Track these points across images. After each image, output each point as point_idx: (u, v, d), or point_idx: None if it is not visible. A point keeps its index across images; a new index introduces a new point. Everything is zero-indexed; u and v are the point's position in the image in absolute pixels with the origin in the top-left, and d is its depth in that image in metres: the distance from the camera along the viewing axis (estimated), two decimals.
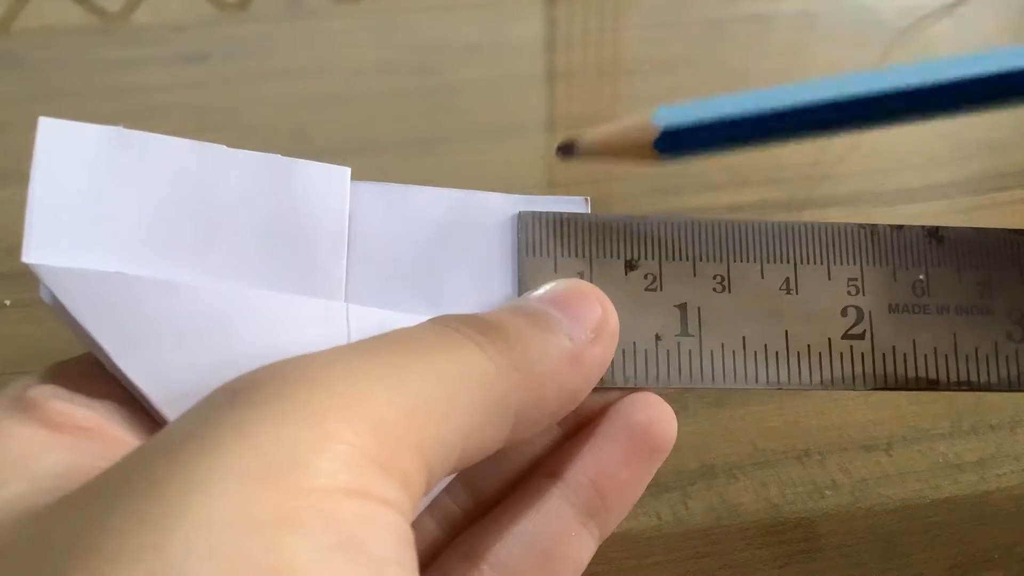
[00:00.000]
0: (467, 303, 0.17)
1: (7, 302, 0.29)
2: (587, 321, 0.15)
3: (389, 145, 0.36)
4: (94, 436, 0.14)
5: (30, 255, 0.15)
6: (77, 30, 0.46)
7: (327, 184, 0.17)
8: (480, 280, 0.17)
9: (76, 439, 0.14)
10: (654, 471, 0.17)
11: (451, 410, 0.13)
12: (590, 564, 0.20)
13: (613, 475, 0.16)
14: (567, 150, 0.18)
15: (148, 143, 0.16)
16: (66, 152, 0.16)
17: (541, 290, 0.16)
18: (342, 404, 0.11)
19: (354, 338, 0.15)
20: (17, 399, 0.15)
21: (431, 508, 0.17)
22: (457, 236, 0.17)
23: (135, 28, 0.46)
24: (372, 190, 0.17)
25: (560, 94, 0.41)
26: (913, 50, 0.42)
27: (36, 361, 0.28)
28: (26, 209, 0.15)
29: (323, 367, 0.12)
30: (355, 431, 0.11)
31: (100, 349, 0.14)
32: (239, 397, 0.12)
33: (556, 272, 0.17)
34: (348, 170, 0.17)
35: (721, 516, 0.21)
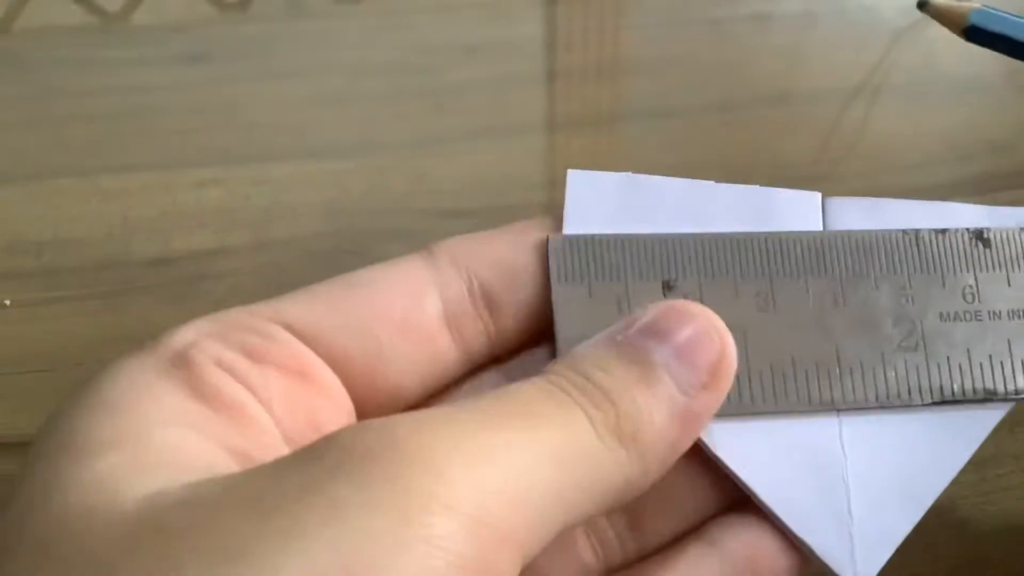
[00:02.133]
0: None
1: (7, 302, 0.29)
2: (702, 363, 0.14)
3: (389, 145, 0.36)
4: (230, 415, 0.14)
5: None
6: (77, 30, 0.46)
7: (801, 206, 0.17)
8: None
9: (211, 413, 0.14)
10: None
11: (558, 492, 0.12)
12: None
13: (773, 558, 0.16)
14: (922, 5, 0.21)
15: (652, 184, 0.17)
16: (590, 195, 0.17)
17: (647, 318, 0.15)
18: (445, 494, 0.11)
19: None
20: (182, 351, 0.15)
21: (589, 527, 0.17)
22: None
23: (135, 28, 0.46)
24: (850, 204, 0.18)
25: (560, 94, 0.41)
26: (913, 50, 0.42)
27: (36, 361, 0.28)
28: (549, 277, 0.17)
29: (433, 444, 0.11)
30: (452, 528, 0.11)
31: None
32: (342, 465, 0.11)
33: (591, 298, 0.17)
34: (819, 194, 0.18)
35: None
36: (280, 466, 0.12)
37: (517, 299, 0.17)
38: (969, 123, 0.37)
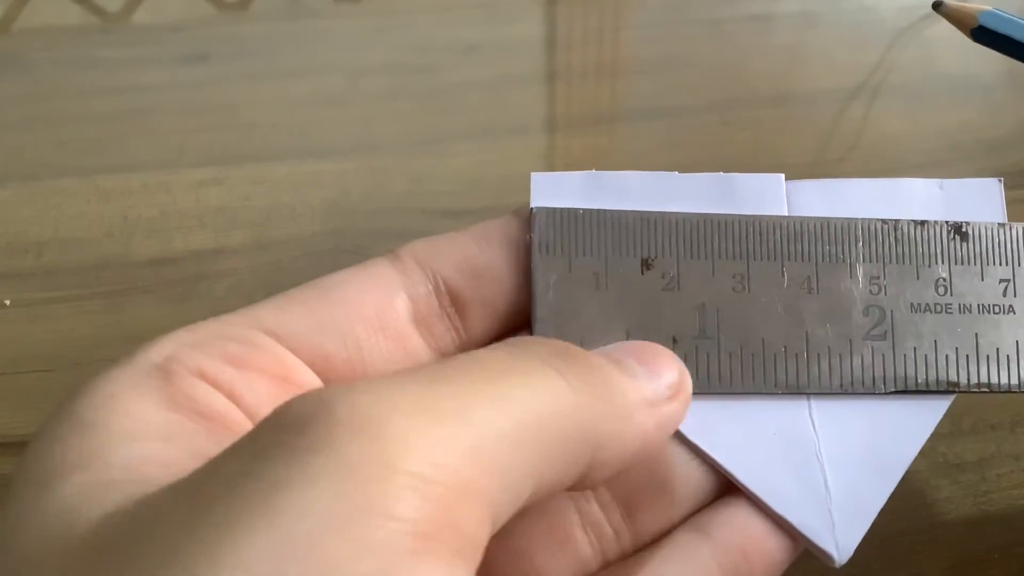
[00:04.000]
0: None
1: (7, 302, 0.29)
2: (664, 378, 0.15)
3: (389, 145, 0.36)
4: (210, 426, 0.14)
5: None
6: (77, 30, 0.46)
7: (764, 190, 0.18)
8: None
9: (190, 424, 0.14)
10: (802, 545, 0.17)
11: (522, 443, 0.12)
12: None
13: (762, 541, 0.16)
14: (937, 5, 0.22)
15: (615, 179, 0.18)
16: (554, 197, 0.18)
17: (612, 346, 0.15)
18: (387, 456, 0.10)
19: None
20: (161, 363, 0.14)
21: (584, 519, 0.17)
22: (881, 214, 0.18)
23: (135, 28, 0.46)
24: (810, 187, 0.18)
25: (560, 94, 0.41)
26: (913, 50, 0.42)
27: (36, 361, 0.28)
28: (532, 247, 0.17)
29: (370, 406, 0.11)
30: (397, 492, 0.10)
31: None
32: (277, 440, 0.11)
33: (571, 272, 0.17)
34: (781, 176, 0.18)
35: None
36: (220, 456, 0.11)
37: (483, 297, 0.17)
38: (969, 123, 0.37)
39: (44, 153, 0.35)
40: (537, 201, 0.17)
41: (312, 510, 0.10)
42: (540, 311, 0.17)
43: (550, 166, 0.36)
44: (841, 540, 0.16)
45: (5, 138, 0.36)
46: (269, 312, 0.16)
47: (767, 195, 0.18)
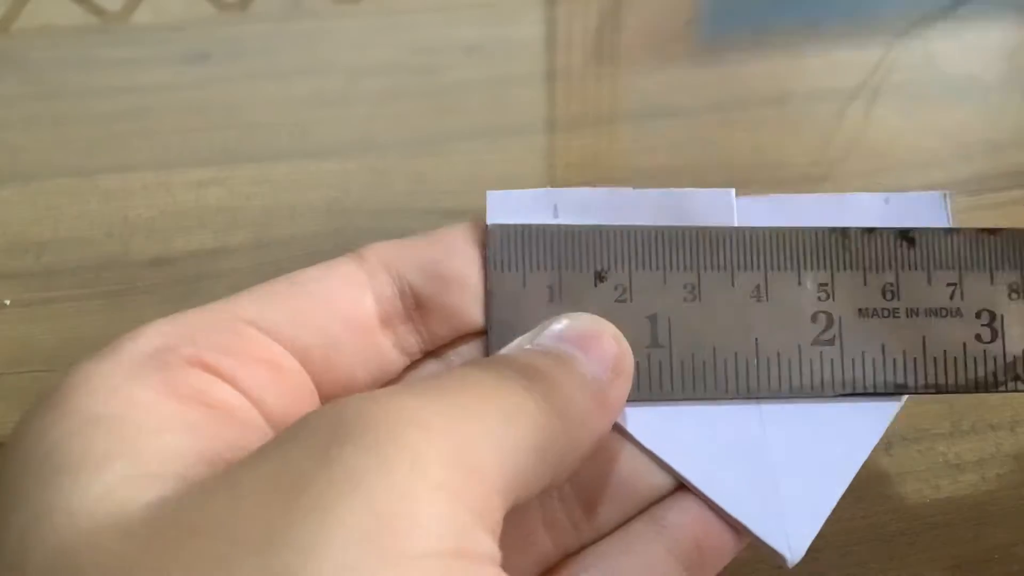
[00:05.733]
0: None
1: (7, 302, 0.29)
2: (607, 360, 0.16)
3: (389, 145, 0.36)
4: (220, 416, 0.14)
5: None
6: (77, 30, 0.46)
7: (715, 204, 0.18)
8: None
9: (201, 416, 0.14)
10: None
11: (517, 456, 0.13)
12: None
13: (714, 532, 0.17)
14: None
15: (570, 196, 0.18)
16: (510, 214, 0.18)
17: (558, 326, 0.16)
18: (443, 447, 0.12)
19: None
20: (153, 355, 0.15)
21: (546, 515, 0.18)
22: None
23: (135, 28, 0.46)
24: (760, 202, 0.18)
25: (560, 94, 0.41)
26: (913, 50, 0.42)
27: (36, 361, 0.28)
28: (487, 269, 0.18)
29: (418, 408, 0.12)
30: (457, 478, 0.11)
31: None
32: (344, 436, 0.11)
33: (525, 287, 0.17)
34: (732, 191, 0.18)
35: None
36: (280, 447, 0.12)
37: (444, 301, 0.18)
38: (969, 123, 0.37)
39: (44, 153, 0.35)
40: (493, 218, 0.18)
41: (396, 489, 0.11)
42: (496, 325, 0.17)
43: (550, 166, 0.36)
44: (793, 541, 0.17)
45: (5, 138, 0.36)
46: (248, 304, 0.16)
47: (717, 210, 0.18)
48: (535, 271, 0.18)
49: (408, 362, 0.18)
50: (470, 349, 0.18)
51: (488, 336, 0.17)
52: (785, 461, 0.17)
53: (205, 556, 0.11)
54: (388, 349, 0.17)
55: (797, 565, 0.20)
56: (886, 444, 0.22)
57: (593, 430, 0.15)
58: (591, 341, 0.16)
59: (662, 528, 0.17)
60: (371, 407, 0.12)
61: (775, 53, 0.44)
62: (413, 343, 0.18)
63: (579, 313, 0.17)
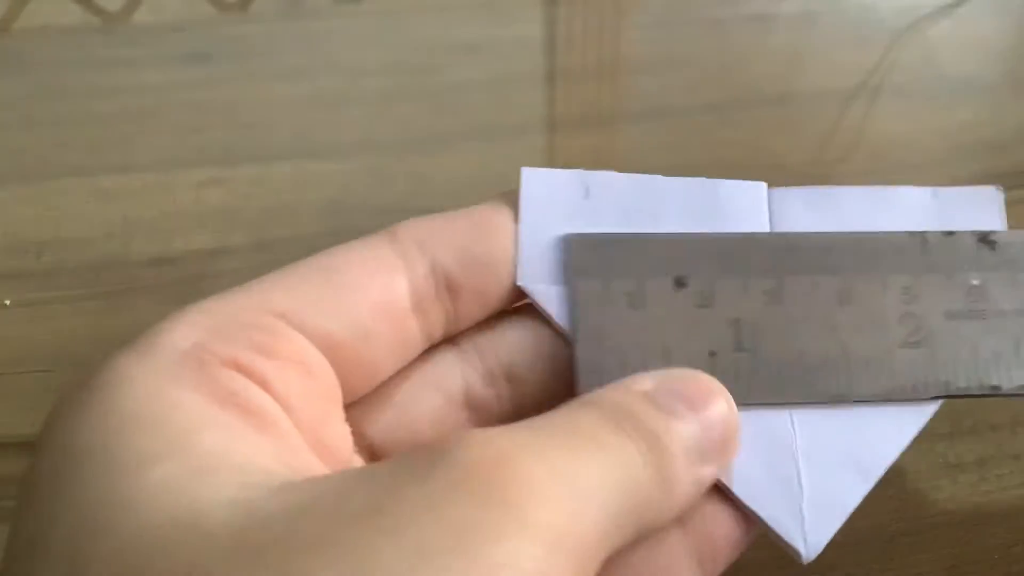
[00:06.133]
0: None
1: (7, 302, 0.29)
2: (717, 436, 0.15)
3: (389, 145, 0.36)
4: (256, 422, 0.14)
5: (521, 280, 0.17)
6: (77, 30, 0.45)
7: (746, 197, 0.18)
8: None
9: (239, 421, 0.14)
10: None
11: (616, 516, 0.13)
12: None
13: (729, 527, 0.17)
14: None
15: (601, 179, 0.18)
16: (543, 194, 0.18)
17: (666, 378, 0.16)
18: (556, 520, 0.11)
19: None
20: (190, 352, 0.14)
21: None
22: (869, 225, 0.18)
23: (135, 28, 0.46)
24: (796, 195, 0.18)
25: (560, 94, 0.41)
26: (913, 50, 0.42)
27: (36, 361, 0.28)
28: (518, 243, 0.18)
29: (536, 463, 0.12)
30: (565, 556, 0.11)
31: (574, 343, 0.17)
32: (463, 481, 0.11)
33: (607, 292, 0.17)
34: (763, 184, 0.18)
35: None
36: (392, 476, 0.12)
37: (475, 284, 0.17)
38: (969, 123, 0.37)
39: (44, 153, 0.35)
40: (527, 194, 0.18)
41: (498, 560, 0.11)
42: (581, 333, 0.17)
43: (550, 166, 0.36)
44: (811, 537, 0.17)
45: (5, 138, 0.36)
46: (279, 293, 0.16)
47: (748, 202, 0.18)
48: (615, 279, 0.17)
49: (428, 344, 0.18)
50: (488, 340, 0.18)
51: (573, 345, 0.17)
52: (811, 455, 0.17)
53: (302, 570, 0.10)
54: (414, 333, 0.17)
55: (796, 566, 0.20)
56: None
57: (686, 504, 0.15)
58: (706, 401, 0.15)
59: (679, 525, 0.16)
60: (497, 457, 0.12)
61: (775, 53, 0.44)
62: (438, 327, 0.18)
63: (695, 372, 0.16)
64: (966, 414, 0.23)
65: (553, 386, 0.18)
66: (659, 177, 0.18)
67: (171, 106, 0.39)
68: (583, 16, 0.49)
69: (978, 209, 0.18)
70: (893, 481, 0.21)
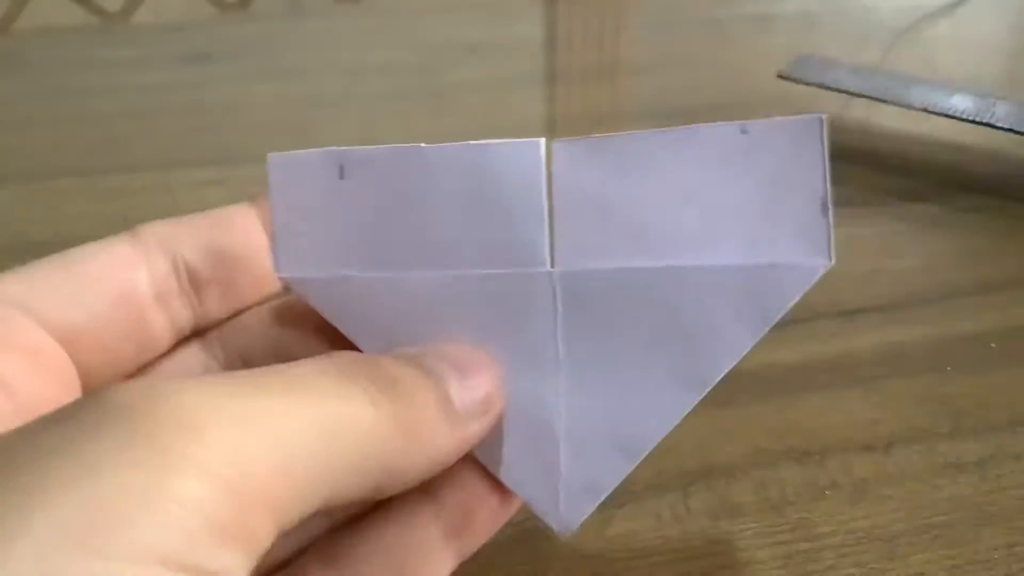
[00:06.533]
0: (692, 246, 0.15)
1: None
2: (478, 390, 0.15)
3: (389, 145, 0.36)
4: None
5: (279, 271, 0.17)
6: (77, 30, 0.46)
7: (519, 157, 0.16)
8: (703, 220, 0.15)
9: None
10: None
11: (325, 464, 0.12)
12: (590, 563, 0.20)
13: (484, 499, 0.16)
14: None
15: (360, 156, 0.17)
16: (293, 180, 0.17)
17: (444, 348, 0.16)
18: (204, 456, 0.11)
19: (562, 308, 0.16)
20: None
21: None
22: (675, 176, 0.16)
23: (135, 28, 0.46)
24: (580, 148, 0.16)
25: (560, 94, 0.41)
26: (913, 50, 0.42)
27: None
28: (272, 233, 0.17)
29: (196, 407, 0.11)
30: (209, 490, 0.11)
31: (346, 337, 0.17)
32: (98, 424, 0.11)
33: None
34: (541, 140, 0.16)
35: (721, 516, 0.21)
36: (36, 425, 0.12)
37: (220, 278, 0.18)
38: (968, 123, 0.37)
39: (44, 153, 0.35)
40: (276, 184, 0.17)
41: (127, 490, 0.10)
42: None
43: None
44: (566, 515, 0.16)
45: (5, 138, 0.36)
46: (17, 285, 0.16)
47: (523, 164, 0.16)
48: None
49: (177, 338, 0.18)
50: (231, 331, 0.18)
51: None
52: (574, 430, 0.16)
53: None
54: (159, 325, 0.17)
55: (796, 566, 0.20)
56: (887, 444, 0.22)
57: (437, 456, 0.15)
58: (468, 364, 0.15)
59: (431, 497, 0.16)
60: (148, 397, 0.11)
61: (775, 53, 0.44)
62: (185, 320, 0.18)
63: (473, 349, 0.16)
64: (966, 414, 0.23)
65: None
66: (424, 146, 0.16)
67: (171, 106, 0.39)
68: (583, 16, 0.49)
69: (795, 144, 0.15)
70: (893, 481, 0.21)
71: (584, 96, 0.41)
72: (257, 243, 0.18)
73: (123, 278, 0.17)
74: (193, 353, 0.18)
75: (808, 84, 0.34)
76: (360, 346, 0.17)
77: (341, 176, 0.17)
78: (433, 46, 0.44)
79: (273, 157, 0.17)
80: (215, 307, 0.18)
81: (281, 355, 0.18)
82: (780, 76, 0.35)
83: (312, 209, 0.17)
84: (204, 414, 0.11)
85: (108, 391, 0.12)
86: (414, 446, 0.14)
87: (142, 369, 0.18)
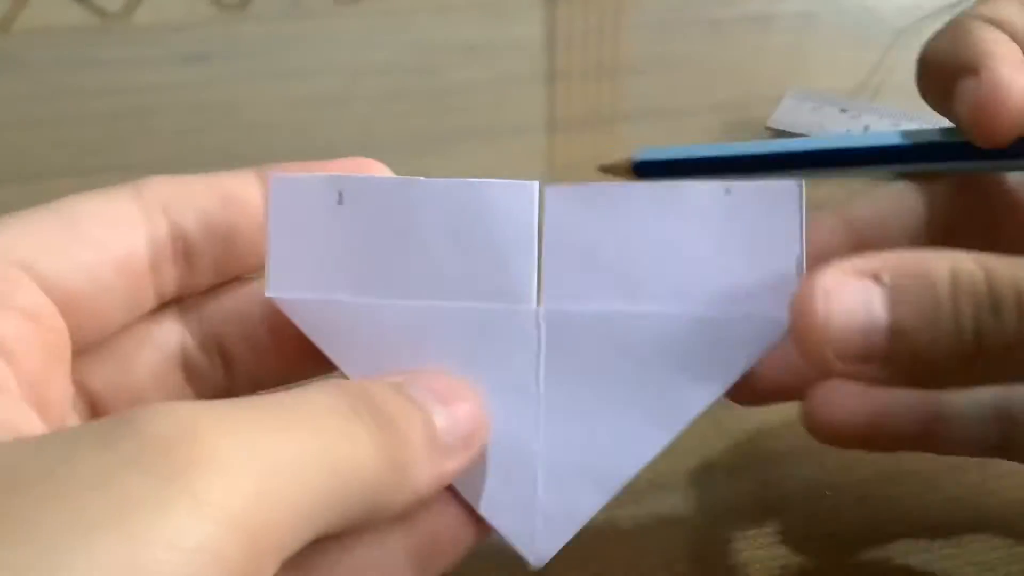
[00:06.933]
0: (672, 295, 0.16)
1: None
2: (461, 425, 0.16)
3: (389, 145, 0.36)
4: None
5: (271, 291, 0.17)
6: (77, 30, 0.46)
7: (513, 197, 0.17)
8: (684, 271, 0.16)
9: None
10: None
11: (328, 501, 0.13)
12: (588, 562, 0.20)
13: (454, 526, 0.16)
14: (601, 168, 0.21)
15: (359, 184, 0.17)
16: (293, 202, 0.17)
17: (432, 379, 0.16)
18: (229, 503, 0.11)
19: (545, 345, 0.17)
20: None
21: None
22: (660, 228, 0.17)
23: (135, 28, 0.46)
24: (571, 194, 0.17)
25: (560, 94, 0.41)
26: (913, 50, 0.42)
27: None
28: (267, 253, 0.17)
29: (229, 450, 0.12)
30: (228, 536, 0.11)
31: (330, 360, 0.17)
32: (140, 455, 0.11)
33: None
34: (535, 184, 0.17)
35: (721, 516, 0.21)
36: (74, 443, 0.12)
37: (212, 251, 0.18)
38: None
39: (44, 153, 0.35)
40: (277, 205, 0.17)
41: (161, 535, 0.11)
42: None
43: (550, 166, 0.36)
44: (540, 547, 0.17)
45: (5, 138, 0.36)
46: (21, 242, 0.16)
47: (517, 204, 0.17)
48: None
49: (159, 303, 0.18)
50: (210, 307, 0.18)
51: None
52: (552, 459, 0.17)
53: None
54: (148, 291, 0.17)
55: (797, 566, 0.20)
56: None
57: (421, 490, 0.15)
58: (456, 402, 0.16)
59: (401, 520, 0.16)
60: (183, 432, 0.12)
61: (775, 53, 0.44)
62: (171, 288, 0.18)
63: (448, 374, 0.16)
64: None
65: (268, 364, 0.18)
66: (422, 179, 0.17)
67: (171, 106, 0.39)
68: (583, 16, 0.49)
69: (775, 206, 0.16)
70: (893, 481, 0.21)
71: (584, 96, 0.41)
72: (253, 216, 0.18)
73: (125, 243, 0.17)
74: (171, 323, 0.18)
75: (795, 134, 0.35)
76: (344, 370, 0.17)
77: (340, 202, 0.17)
78: (433, 46, 0.44)
79: (275, 177, 0.17)
80: (201, 278, 0.18)
81: (256, 345, 0.18)
82: (768, 128, 0.35)
83: (308, 232, 0.17)
84: (234, 459, 0.12)
85: (143, 418, 0.12)
86: (402, 482, 0.14)
87: (126, 329, 0.18)
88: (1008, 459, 0.19)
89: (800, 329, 0.15)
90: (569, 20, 0.48)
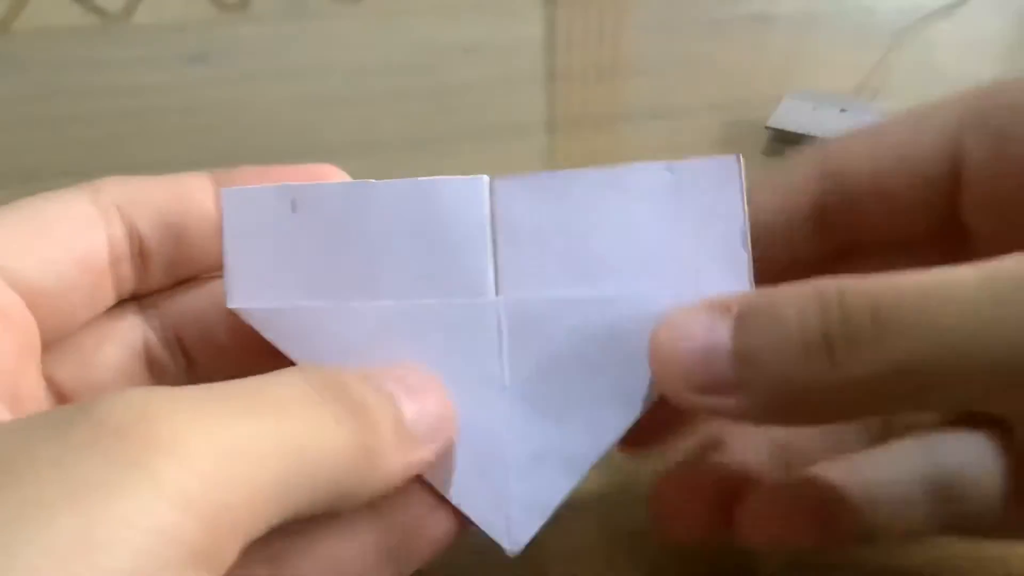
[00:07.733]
0: (626, 276, 0.17)
1: None
2: (428, 417, 0.16)
3: (389, 145, 0.36)
4: None
5: (232, 302, 0.17)
6: (77, 30, 0.46)
7: (464, 193, 0.18)
8: (635, 252, 0.17)
9: None
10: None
11: (292, 485, 0.13)
12: (590, 563, 0.20)
13: (427, 518, 0.17)
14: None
15: (311, 192, 0.18)
16: (247, 213, 0.18)
17: (397, 368, 0.16)
18: (187, 483, 0.11)
19: (507, 335, 0.17)
20: None
21: None
22: (609, 211, 0.17)
23: (135, 28, 0.46)
24: (520, 184, 0.18)
25: (560, 94, 0.41)
26: (913, 50, 0.42)
27: None
28: (224, 265, 0.17)
29: (186, 433, 0.12)
30: (187, 517, 0.11)
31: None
32: (96, 439, 0.12)
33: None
34: (485, 178, 0.18)
35: None
36: (32, 430, 0.12)
37: (167, 251, 0.18)
38: None
39: (44, 153, 0.35)
40: (231, 221, 0.17)
41: (115, 515, 0.11)
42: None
43: (550, 166, 0.36)
44: (515, 533, 0.17)
45: (5, 138, 0.36)
46: None
47: (467, 200, 0.18)
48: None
49: (117, 300, 0.18)
50: (170, 305, 0.18)
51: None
52: (521, 452, 0.17)
53: None
54: (109, 289, 0.18)
55: (803, 564, 0.20)
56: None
57: (389, 479, 0.15)
58: (420, 390, 0.16)
59: (373, 511, 0.16)
60: (140, 418, 0.12)
61: (775, 53, 0.44)
62: (129, 285, 0.18)
63: (416, 367, 0.17)
64: None
65: (228, 362, 0.18)
66: (373, 182, 0.18)
67: (171, 106, 0.39)
68: (583, 17, 0.49)
69: (716, 182, 0.17)
70: None
71: (584, 96, 0.41)
72: (208, 217, 0.18)
73: (87, 241, 0.17)
74: (133, 319, 0.18)
75: (795, 135, 0.34)
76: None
77: (293, 210, 0.18)
78: (433, 46, 0.44)
79: (227, 191, 0.18)
80: (156, 276, 0.18)
81: (216, 345, 0.18)
82: (768, 128, 0.35)
83: (265, 242, 0.17)
84: (191, 441, 0.12)
85: (101, 404, 0.12)
86: (370, 469, 0.14)
87: (86, 326, 0.18)
88: (949, 535, 0.18)
89: (652, 363, 0.15)
90: (569, 20, 0.48)
